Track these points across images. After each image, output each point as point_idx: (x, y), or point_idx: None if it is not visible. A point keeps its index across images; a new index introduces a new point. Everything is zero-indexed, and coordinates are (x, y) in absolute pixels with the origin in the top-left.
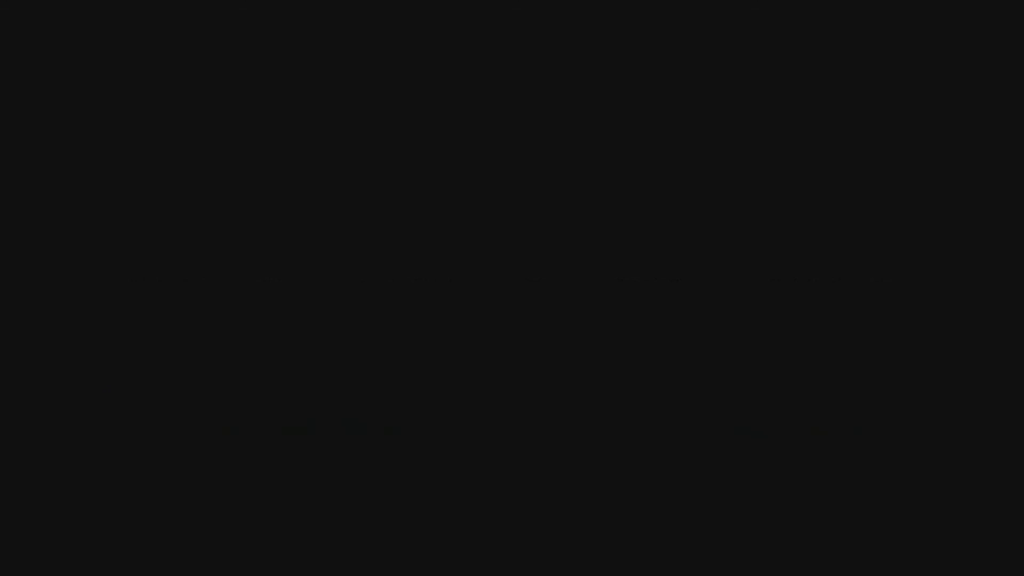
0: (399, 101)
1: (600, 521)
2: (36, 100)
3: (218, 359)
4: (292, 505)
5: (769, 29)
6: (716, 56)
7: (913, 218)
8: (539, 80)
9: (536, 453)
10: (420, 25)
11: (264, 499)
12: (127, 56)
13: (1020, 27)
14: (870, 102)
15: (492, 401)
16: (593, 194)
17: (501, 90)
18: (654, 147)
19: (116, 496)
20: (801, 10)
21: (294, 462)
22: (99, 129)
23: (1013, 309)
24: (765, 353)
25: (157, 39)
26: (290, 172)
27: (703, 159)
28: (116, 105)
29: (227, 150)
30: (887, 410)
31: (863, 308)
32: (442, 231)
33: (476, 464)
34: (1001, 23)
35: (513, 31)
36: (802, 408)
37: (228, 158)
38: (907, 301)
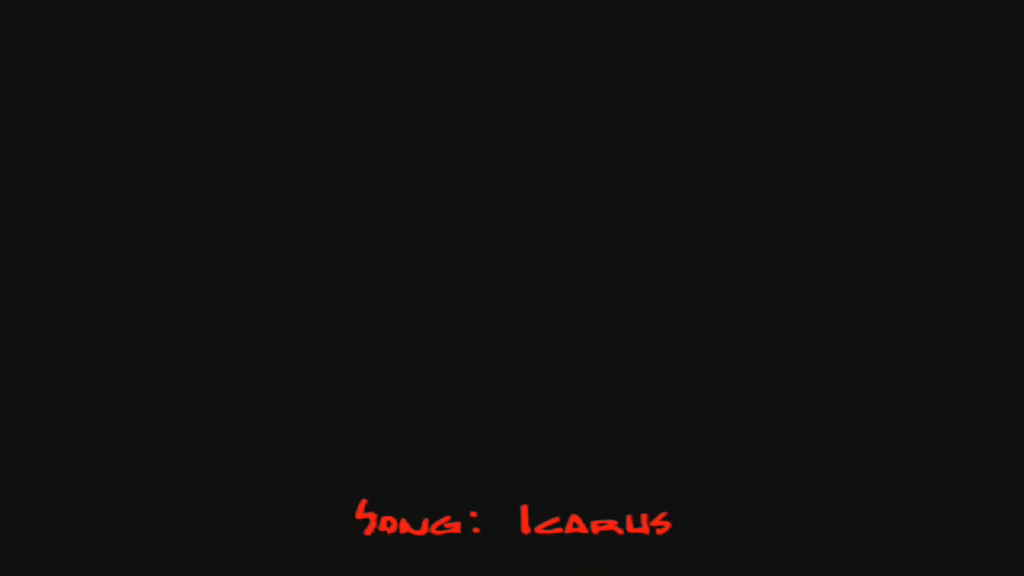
0: (398, 101)
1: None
2: (36, 100)
3: (218, 359)
4: (292, 505)
5: (768, 29)
6: (715, 56)
7: (913, 219)
8: (538, 79)
9: (536, 453)
10: (420, 24)
11: (264, 499)
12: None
13: (1020, 28)
14: (870, 103)
15: (492, 401)
16: (593, 194)
17: (500, 89)
18: (653, 147)
19: (116, 496)
20: (802, 9)
21: (294, 462)
22: (99, 129)
23: (1013, 309)
24: (765, 353)
25: (155, 38)
26: (289, 172)
27: (703, 159)
28: (116, 105)
29: (226, 150)
30: (887, 410)
31: (863, 308)
32: (442, 231)
33: (476, 464)
34: (1001, 24)
35: (512, 31)
36: (802, 408)
37: (227, 158)
38: (907, 301)
